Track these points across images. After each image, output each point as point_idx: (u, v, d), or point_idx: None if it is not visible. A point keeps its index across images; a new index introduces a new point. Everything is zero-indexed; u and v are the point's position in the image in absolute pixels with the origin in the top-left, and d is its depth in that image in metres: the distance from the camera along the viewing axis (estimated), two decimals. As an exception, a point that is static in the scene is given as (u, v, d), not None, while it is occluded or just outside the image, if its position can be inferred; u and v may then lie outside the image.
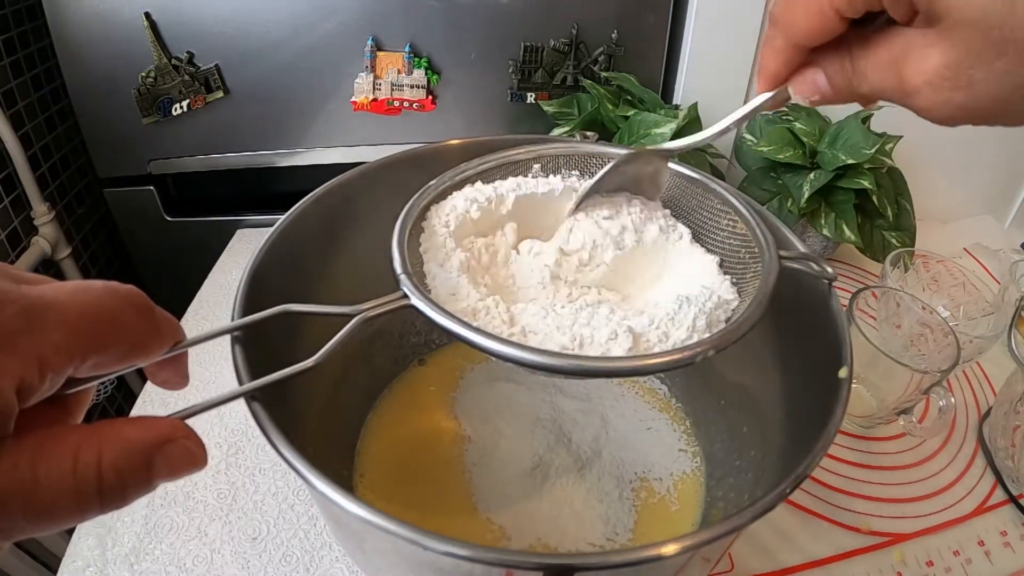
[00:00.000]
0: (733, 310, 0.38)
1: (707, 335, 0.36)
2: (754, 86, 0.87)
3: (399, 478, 0.54)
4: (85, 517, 0.23)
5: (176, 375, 0.31)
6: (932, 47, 0.25)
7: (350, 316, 0.34)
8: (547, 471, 0.54)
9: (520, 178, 0.46)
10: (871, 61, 0.28)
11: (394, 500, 0.53)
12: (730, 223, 0.42)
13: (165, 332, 0.28)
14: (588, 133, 0.50)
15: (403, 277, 0.35)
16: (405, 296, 0.34)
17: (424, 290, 0.35)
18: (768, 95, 0.34)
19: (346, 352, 0.39)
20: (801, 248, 0.44)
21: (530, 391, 0.61)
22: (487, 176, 0.45)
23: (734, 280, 0.40)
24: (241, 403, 0.32)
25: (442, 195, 0.43)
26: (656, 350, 0.35)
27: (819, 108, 0.84)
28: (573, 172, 0.47)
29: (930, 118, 0.27)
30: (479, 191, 0.44)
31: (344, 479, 0.53)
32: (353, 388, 0.57)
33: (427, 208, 0.42)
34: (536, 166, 0.46)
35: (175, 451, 0.25)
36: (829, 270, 0.39)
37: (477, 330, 0.32)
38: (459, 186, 0.44)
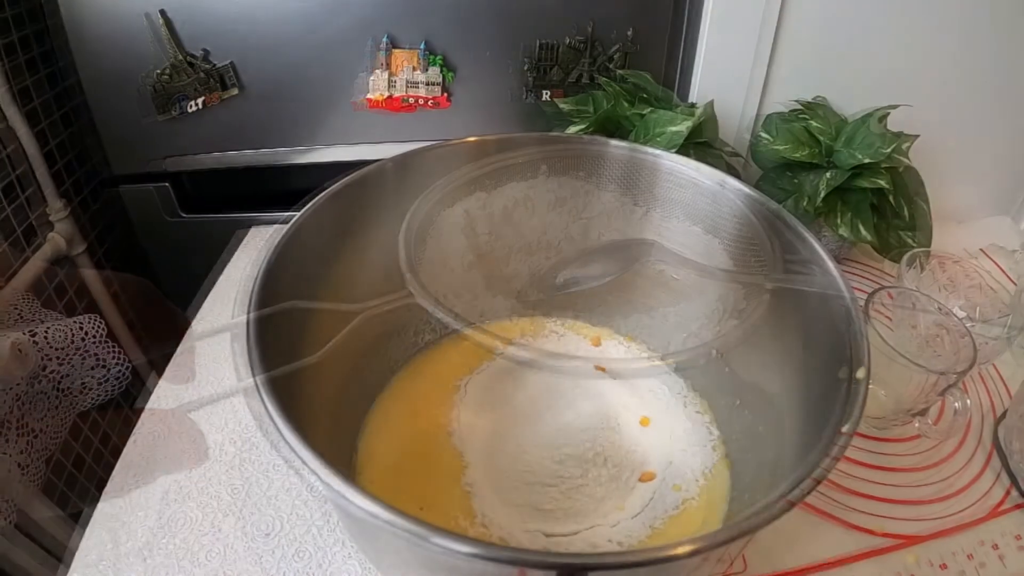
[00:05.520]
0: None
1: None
2: (771, 84, 0.87)
3: (398, 475, 0.54)
4: None
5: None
6: None
7: (355, 313, 0.34)
8: (549, 470, 0.54)
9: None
10: None
11: (392, 498, 0.52)
12: (737, 227, 0.42)
13: None
14: (617, 140, 0.50)
15: (408, 276, 0.36)
16: (410, 295, 0.35)
17: (429, 287, 0.35)
18: None
19: (348, 349, 0.39)
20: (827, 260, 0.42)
21: (533, 389, 0.60)
22: (493, 177, 0.45)
23: (743, 282, 0.39)
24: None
25: (450, 195, 0.44)
26: None
27: (834, 105, 0.84)
28: (580, 172, 0.47)
29: None
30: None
31: (343, 477, 0.53)
32: (354, 385, 0.57)
33: (435, 208, 0.43)
34: (544, 167, 0.46)
35: None
36: (846, 296, 0.37)
37: (480, 328, 0.32)
38: (468, 187, 0.44)
